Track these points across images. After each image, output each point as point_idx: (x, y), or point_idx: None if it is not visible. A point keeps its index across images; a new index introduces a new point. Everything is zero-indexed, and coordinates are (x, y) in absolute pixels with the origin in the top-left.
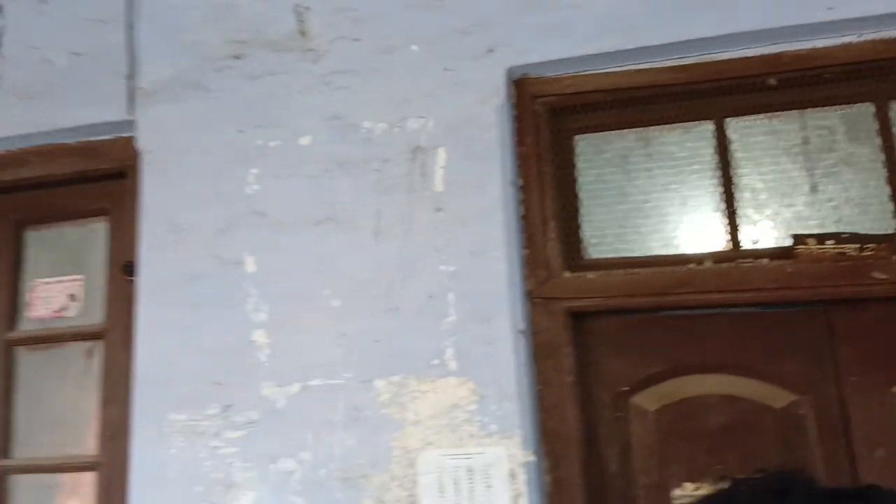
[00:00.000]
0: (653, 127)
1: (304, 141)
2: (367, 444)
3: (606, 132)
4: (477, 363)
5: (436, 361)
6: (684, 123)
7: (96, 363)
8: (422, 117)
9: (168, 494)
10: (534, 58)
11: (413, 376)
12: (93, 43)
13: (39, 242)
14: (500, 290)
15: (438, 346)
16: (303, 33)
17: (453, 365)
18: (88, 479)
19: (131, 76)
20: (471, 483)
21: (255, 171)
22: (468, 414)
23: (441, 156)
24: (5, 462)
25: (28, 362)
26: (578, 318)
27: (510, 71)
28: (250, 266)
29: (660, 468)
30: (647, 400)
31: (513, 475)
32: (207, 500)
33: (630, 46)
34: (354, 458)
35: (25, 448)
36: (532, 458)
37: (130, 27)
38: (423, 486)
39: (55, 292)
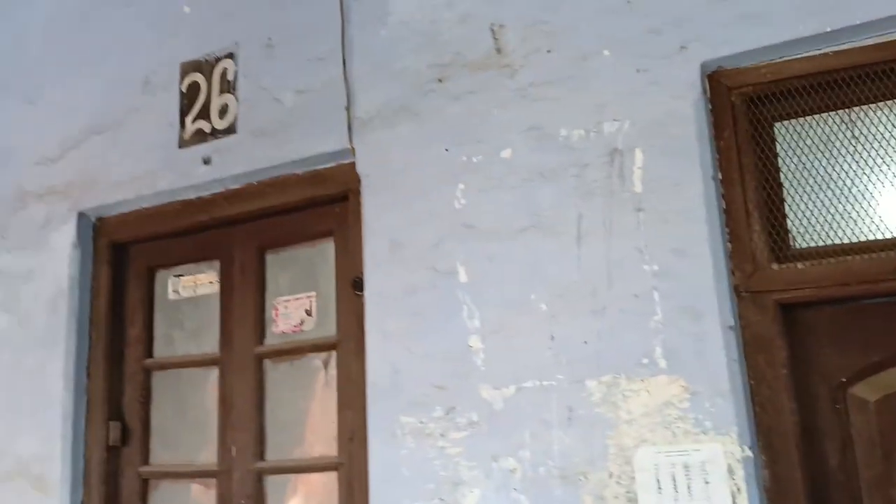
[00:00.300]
0: (857, 108)
1: (506, 154)
2: (583, 442)
3: (807, 117)
4: (687, 360)
5: (645, 360)
6: (891, 101)
7: (332, 372)
8: (617, 120)
9: (403, 492)
10: (727, 50)
11: (623, 375)
12: (314, 80)
13: (277, 264)
14: (706, 286)
15: (647, 344)
16: (499, 50)
17: (663, 363)
18: (331, 479)
19: (349, 107)
20: (688, 479)
21: (461, 186)
22: (681, 411)
23: (638, 156)
24: (261, 464)
25: (274, 373)
26: (789, 310)
27: (704, 65)
28: (462, 276)
29: (884, 461)
30: (867, 390)
31: (730, 471)
32: (438, 496)
33: (828, 29)
34: (572, 457)
35: (275, 451)
36: (749, 453)
37: (345, 62)
38: (641, 483)
39: (293, 308)
